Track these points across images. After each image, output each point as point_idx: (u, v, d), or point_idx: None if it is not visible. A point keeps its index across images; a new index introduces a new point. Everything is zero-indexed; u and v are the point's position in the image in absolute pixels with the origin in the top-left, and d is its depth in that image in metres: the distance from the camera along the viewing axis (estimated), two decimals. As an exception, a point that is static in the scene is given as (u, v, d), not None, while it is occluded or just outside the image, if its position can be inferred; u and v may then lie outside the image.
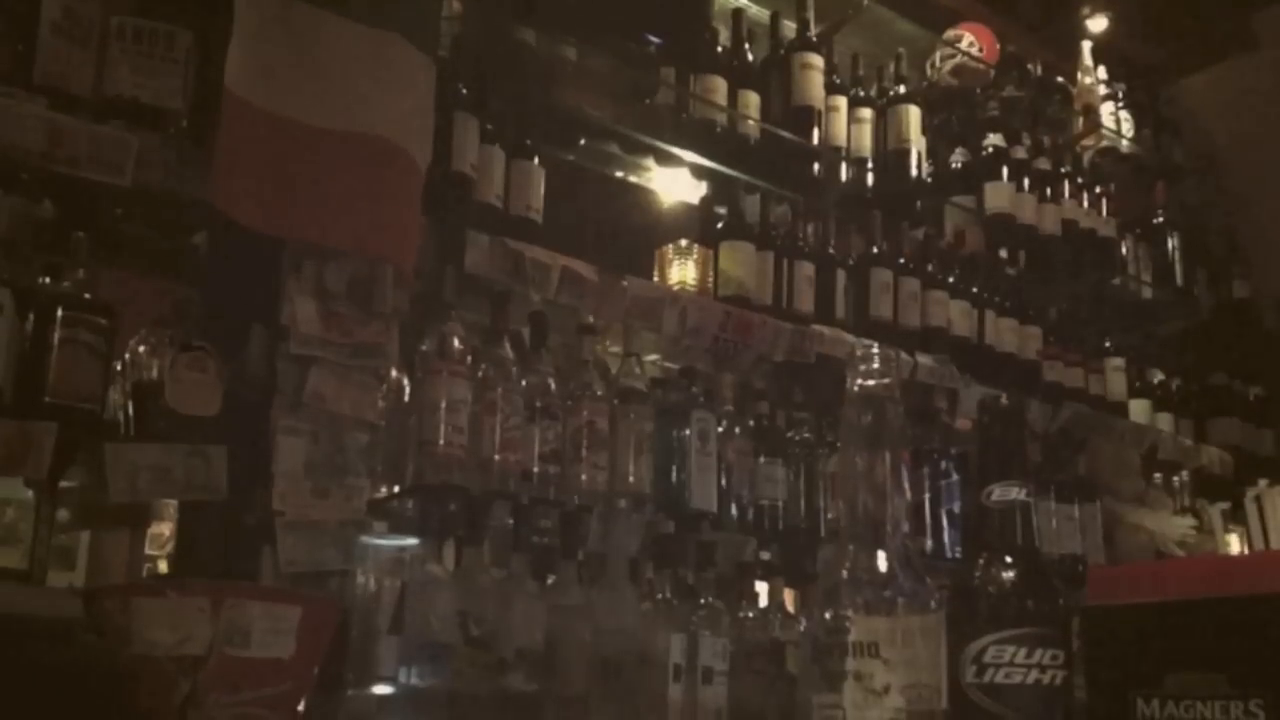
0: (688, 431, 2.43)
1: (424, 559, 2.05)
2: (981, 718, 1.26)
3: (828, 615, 1.25)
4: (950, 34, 3.63)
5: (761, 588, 2.46)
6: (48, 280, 1.83)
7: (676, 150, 2.88)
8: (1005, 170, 3.43)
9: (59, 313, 1.78)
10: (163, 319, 1.96)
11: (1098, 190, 3.73)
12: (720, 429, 2.51)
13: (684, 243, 2.82)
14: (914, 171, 3.23)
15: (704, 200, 2.96)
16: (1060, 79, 3.94)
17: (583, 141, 2.83)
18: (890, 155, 3.21)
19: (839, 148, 3.09)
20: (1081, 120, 3.88)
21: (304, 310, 1.94)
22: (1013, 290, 3.40)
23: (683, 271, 2.77)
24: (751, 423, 2.64)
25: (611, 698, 2.09)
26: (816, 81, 3.01)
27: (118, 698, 1.40)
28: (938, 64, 3.60)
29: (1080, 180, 3.68)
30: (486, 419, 2.15)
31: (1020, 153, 3.52)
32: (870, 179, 3.16)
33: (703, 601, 2.25)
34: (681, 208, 3.06)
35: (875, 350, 1.36)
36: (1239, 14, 4.28)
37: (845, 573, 1.27)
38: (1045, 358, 3.37)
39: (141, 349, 1.94)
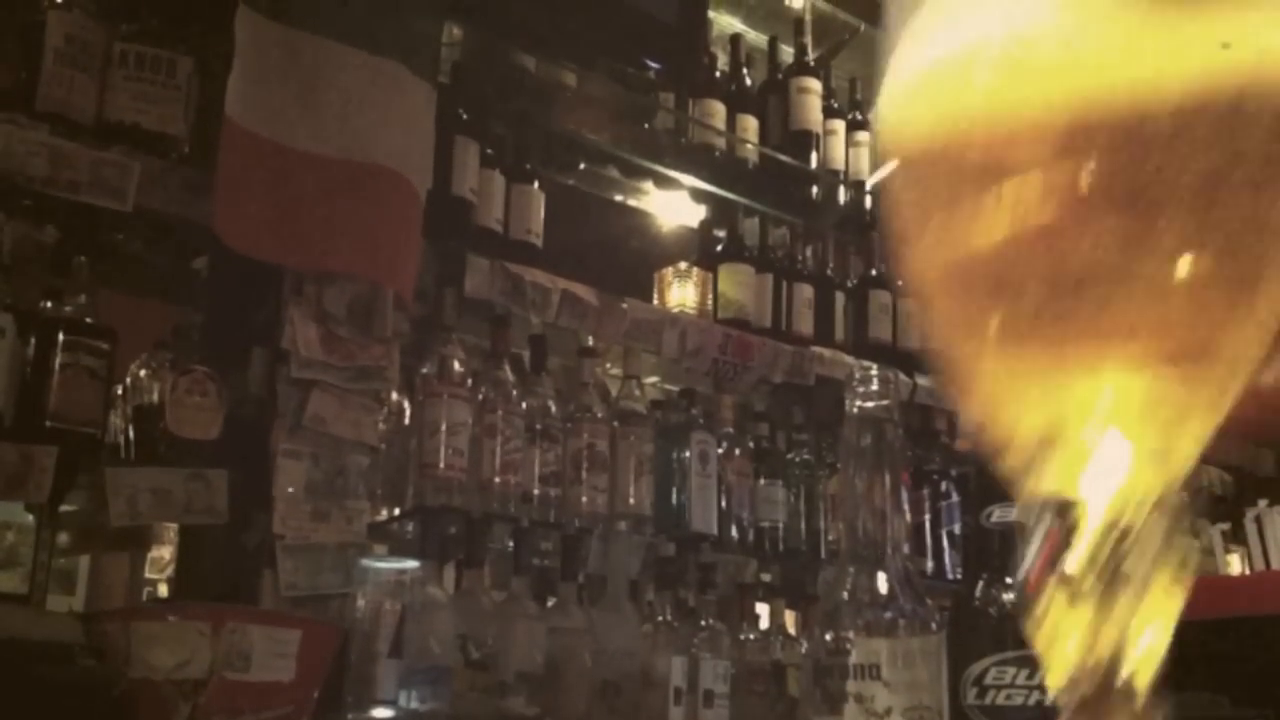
0: (688, 453, 2.44)
1: (424, 581, 2.05)
2: (983, 739, 1.26)
3: (828, 637, 1.24)
4: (947, 57, 3.65)
5: (762, 609, 2.46)
6: (49, 304, 1.84)
7: (675, 174, 2.89)
8: (1003, 192, 3.44)
9: (60, 337, 1.78)
10: (163, 342, 1.97)
11: (1095, 212, 3.74)
12: (720, 450, 2.51)
13: (683, 265, 2.83)
14: (912, 194, 3.24)
15: (703, 223, 2.97)
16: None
17: (582, 165, 2.84)
18: (888, 178, 3.22)
19: (837, 171, 3.10)
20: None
21: (305, 333, 1.95)
22: (1011, 311, 3.40)
23: (682, 294, 2.78)
24: (751, 444, 2.64)
25: (612, 721, 2.09)
26: (814, 105, 3.03)
27: (117, 722, 1.40)
28: (935, 87, 3.62)
29: (1078, 202, 3.69)
30: (487, 441, 2.15)
31: (1018, 174, 3.53)
32: (869, 201, 3.17)
33: (704, 623, 2.25)
34: (681, 231, 3.07)
35: (874, 372, 1.36)
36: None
37: (846, 594, 1.26)
38: (1044, 379, 3.37)
39: (142, 372, 1.94)
